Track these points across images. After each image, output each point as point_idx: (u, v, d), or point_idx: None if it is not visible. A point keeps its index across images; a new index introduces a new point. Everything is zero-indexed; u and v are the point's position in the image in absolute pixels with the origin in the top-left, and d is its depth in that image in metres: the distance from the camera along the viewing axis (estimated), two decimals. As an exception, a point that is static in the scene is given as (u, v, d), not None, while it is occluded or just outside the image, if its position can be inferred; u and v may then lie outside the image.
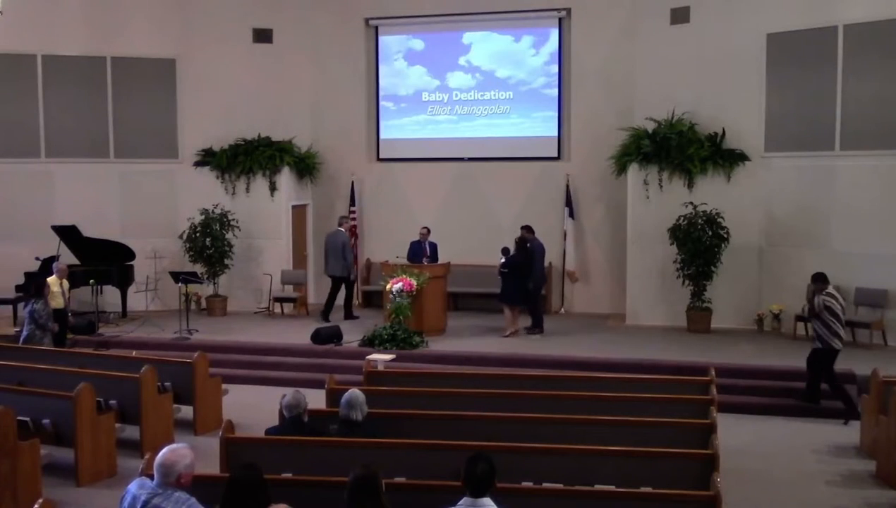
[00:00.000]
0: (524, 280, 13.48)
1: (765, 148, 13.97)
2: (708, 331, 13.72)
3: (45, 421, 8.17)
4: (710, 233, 13.52)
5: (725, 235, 13.60)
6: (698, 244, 13.48)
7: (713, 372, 8.97)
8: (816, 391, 10.55)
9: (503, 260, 13.62)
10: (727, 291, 13.91)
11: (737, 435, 9.06)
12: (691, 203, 13.77)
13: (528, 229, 14.00)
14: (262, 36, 16.55)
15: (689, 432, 7.14)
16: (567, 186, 15.71)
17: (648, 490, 5.89)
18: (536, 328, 13.81)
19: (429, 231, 14.58)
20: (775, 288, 13.80)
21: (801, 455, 9.02)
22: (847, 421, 10.05)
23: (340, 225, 15.03)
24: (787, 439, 9.57)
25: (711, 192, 14.00)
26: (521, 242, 13.65)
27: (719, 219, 13.59)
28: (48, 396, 8.36)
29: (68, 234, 14.78)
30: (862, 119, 12.90)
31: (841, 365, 11.06)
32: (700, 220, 13.59)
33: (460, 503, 4.86)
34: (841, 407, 10.26)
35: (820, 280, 10.61)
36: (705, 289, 13.83)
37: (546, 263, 14.49)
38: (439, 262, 14.24)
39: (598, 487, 6.02)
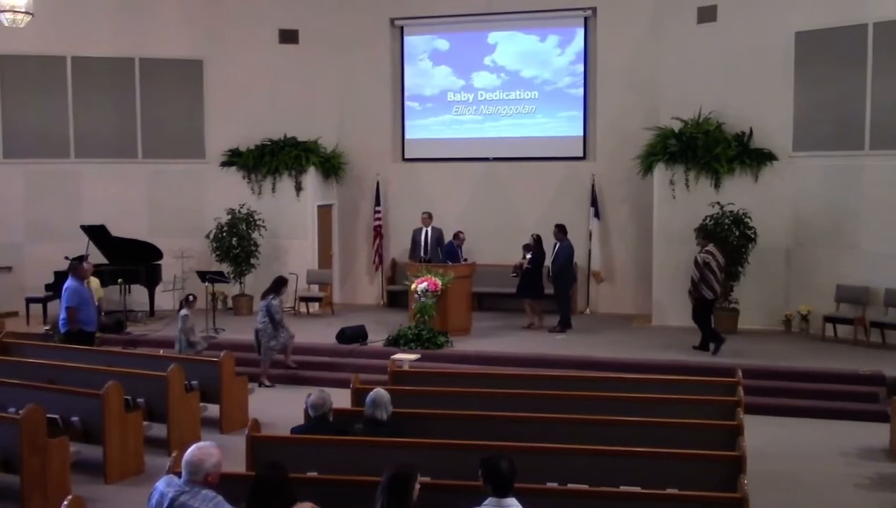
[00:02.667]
0: (538, 275, 14.06)
1: (793, 147, 13.84)
2: (735, 332, 13.60)
3: (74, 418, 8.26)
4: (738, 233, 13.43)
5: (753, 235, 13.50)
6: (725, 244, 13.38)
7: (740, 374, 8.90)
8: (708, 339, 12.23)
9: (529, 256, 14.00)
10: (754, 292, 13.80)
11: (764, 437, 8.98)
12: (718, 203, 13.68)
13: (560, 229, 14.03)
14: (288, 37, 16.63)
15: (716, 433, 7.10)
16: (592, 186, 15.65)
17: (674, 491, 5.86)
18: (560, 327, 13.82)
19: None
20: (803, 288, 13.67)
21: (829, 458, 8.93)
22: (715, 351, 12.01)
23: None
24: (815, 441, 9.48)
25: (738, 192, 13.89)
26: (537, 240, 14.14)
27: (746, 219, 13.49)
28: (77, 394, 8.45)
29: (97, 234, 14.94)
30: (892, 118, 12.73)
31: (871, 366, 10.96)
32: (727, 220, 13.49)
33: (485, 503, 4.85)
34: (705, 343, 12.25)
35: (704, 237, 12.55)
36: (732, 290, 13.73)
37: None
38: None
39: (623, 488, 5.99)
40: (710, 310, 12.46)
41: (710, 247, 12.37)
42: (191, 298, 12.22)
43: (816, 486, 8.16)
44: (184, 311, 11.92)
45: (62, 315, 11.18)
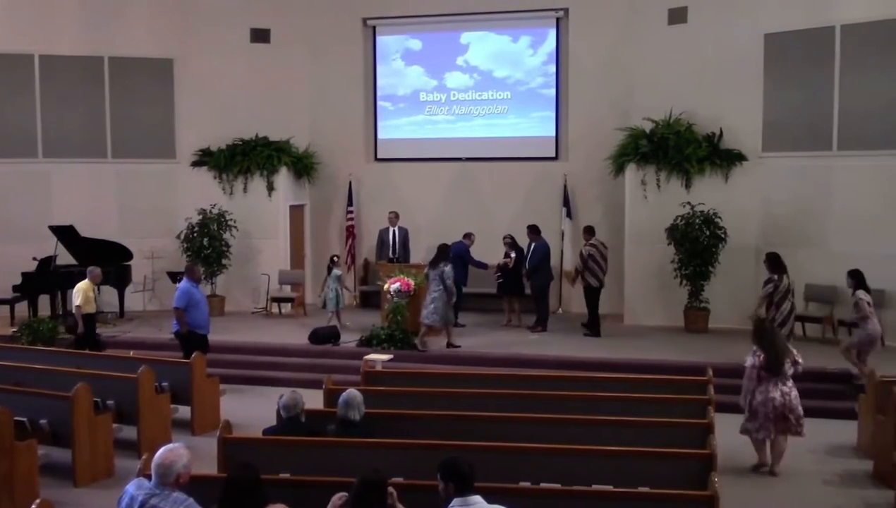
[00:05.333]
0: (518, 274, 14.33)
1: (762, 148, 13.99)
2: (705, 331, 13.74)
3: (43, 421, 8.17)
4: (708, 232, 13.54)
5: (723, 235, 13.61)
6: (696, 244, 13.50)
7: (711, 372, 8.99)
8: (596, 323, 13.63)
9: (513, 254, 14.27)
10: (725, 291, 13.91)
11: (734, 435, 9.02)
12: (689, 203, 13.78)
13: (532, 229, 14.14)
14: (260, 36, 16.54)
15: (687, 432, 7.16)
16: (565, 186, 15.71)
17: (646, 490, 5.90)
18: (540, 326, 13.94)
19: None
20: (773, 288, 13.79)
21: (798, 455, 9.00)
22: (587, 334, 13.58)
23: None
24: (785, 439, 9.56)
25: (709, 192, 14.01)
26: (513, 240, 14.42)
27: (717, 219, 13.60)
28: (45, 396, 8.37)
29: (66, 234, 14.75)
30: (859, 119, 12.91)
31: (839, 365, 11.07)
32: (698, 220, 13.60)
33: (451, 504, 4.87)
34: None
35: (587, 232, 13.77)
36: (703, 289, 13.85)
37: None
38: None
39: (595, 487, 6.03)
40: (597, 297, 13.63)
41: (594, 240, 13.61)
42: (335, 258, 14.22)
43: (786, 483, 8.24)
44: (337, 271, 13.93)
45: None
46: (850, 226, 13.02)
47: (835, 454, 9.09)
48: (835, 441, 9.41)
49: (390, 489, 5.13)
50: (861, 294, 10.67)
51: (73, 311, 12.04)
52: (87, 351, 11.27)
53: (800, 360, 8.48)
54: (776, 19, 13.66)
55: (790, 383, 8.36)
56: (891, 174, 12.68)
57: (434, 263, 12.59)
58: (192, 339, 11.12)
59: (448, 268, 12.45)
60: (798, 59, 13.49)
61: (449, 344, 12.67)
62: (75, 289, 12.03)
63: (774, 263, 11.28)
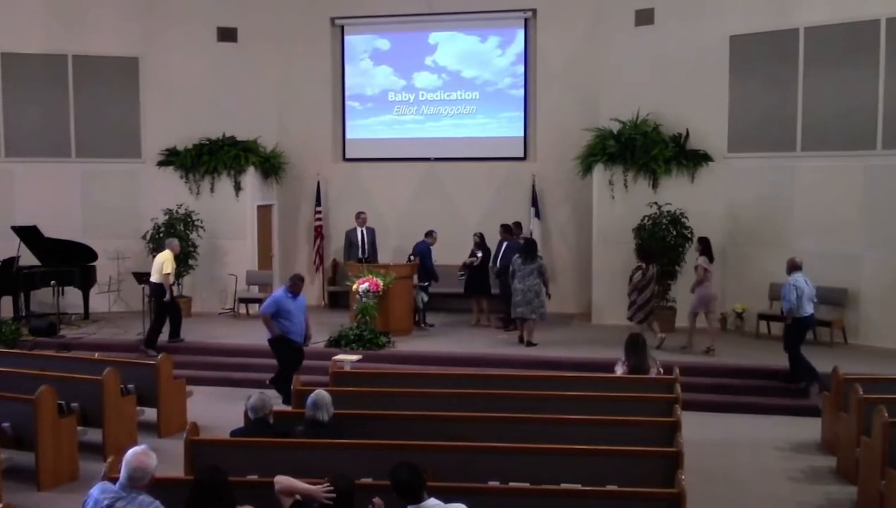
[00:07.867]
0: (486, 273, 14.46)
1: (728, 148, 14.13)
2: (672, 330, 13.79)
3: (5, 424, 8.07)
4: (675, 232, 13.65)
5: (689, 235, 13.72)
6: (662, 244, 13.60)
7: (677, 371, 9.05)
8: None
9: (480, 254, 14.32)
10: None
11: (701, 433, 9.12)
12: (656, 203, 13.89)
13: (504, 228, 14.21)
14: (227, 35, 16.41)
15: (655, 430, 7.19)
16: (533, 186, 15.77)
17: (614, 488, 5.93)
18: (511, 325, 13.98)
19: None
20: (738, 287, 13.95)
21: (763, 452, 9.14)
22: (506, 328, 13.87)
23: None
24: (750, 436, 9.68)
25: (675, 192, 14.13)
26: (482, 238, 14.49)
27: (683, 219, 13.72)
28: (8, 399, 8.24)
29: (29, 235, 14.54)
30: (822, 120, 13.09)
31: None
32: (664, 220, 13.71)
33: None
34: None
35: (507, 230, 14.29)
36: (669, 289, 13.95)
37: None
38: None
39: (564, 486, 6.05)
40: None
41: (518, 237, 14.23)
42: (412, 258, 14.23)
43: (752, 480, 8.34)
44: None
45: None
46: (814, 225, 13.19)
47: (799, 450, 9.21)
48: (799, 439, 9.54)
49: (377, 498, 5.10)
50: (702, 261, 12.13)
51: (160, 281, 12.45)
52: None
53: (660, 369, 9.11)
54: (741, 21, 13.81)
55: None
56: (853, 175, 12.87)
57: (531, 257, 12.79)
58: (283, 345, 10.94)
59: (545, 263, 13.11)
60: (763, 61, 13.65)
61: (528, 342, 12.81)
62: (160, 260, 12.57)
63: (645, 253, 12.83)
